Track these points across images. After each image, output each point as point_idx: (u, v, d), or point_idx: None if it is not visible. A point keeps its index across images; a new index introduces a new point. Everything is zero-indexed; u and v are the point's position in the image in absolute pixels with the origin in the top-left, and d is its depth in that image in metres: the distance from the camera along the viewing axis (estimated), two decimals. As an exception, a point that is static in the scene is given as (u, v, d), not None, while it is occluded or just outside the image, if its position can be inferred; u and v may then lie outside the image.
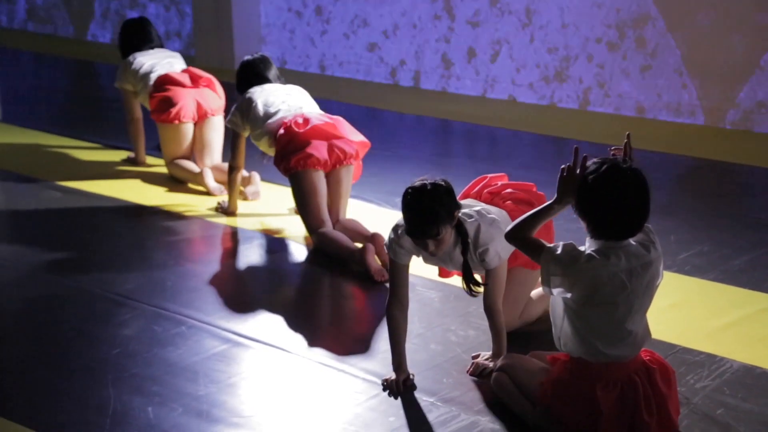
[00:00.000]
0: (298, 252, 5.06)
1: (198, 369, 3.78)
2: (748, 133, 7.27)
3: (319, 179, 5.08)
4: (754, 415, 3.41)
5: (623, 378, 3.16)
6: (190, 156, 6.22)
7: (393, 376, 3.62)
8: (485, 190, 4.00)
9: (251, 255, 5.13)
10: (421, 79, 8.90)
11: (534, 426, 3.27)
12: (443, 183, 3.53)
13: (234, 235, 5.34)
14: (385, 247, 3.81)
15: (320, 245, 4.98)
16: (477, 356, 3.76)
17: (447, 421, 3.40)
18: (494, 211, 3.76)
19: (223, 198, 5.70)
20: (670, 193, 5.93)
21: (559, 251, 3.14)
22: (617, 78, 7.85)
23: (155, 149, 6.51)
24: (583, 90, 8.01)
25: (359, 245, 4.79)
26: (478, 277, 3.64)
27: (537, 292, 4.06)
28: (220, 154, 6.22)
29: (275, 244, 5.19)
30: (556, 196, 3.20)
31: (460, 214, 3.58)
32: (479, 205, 3.78)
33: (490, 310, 3.66)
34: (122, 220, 5.58)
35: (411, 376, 3.63)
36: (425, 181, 3.51)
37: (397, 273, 3.68)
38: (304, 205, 5.05)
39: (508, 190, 3.96)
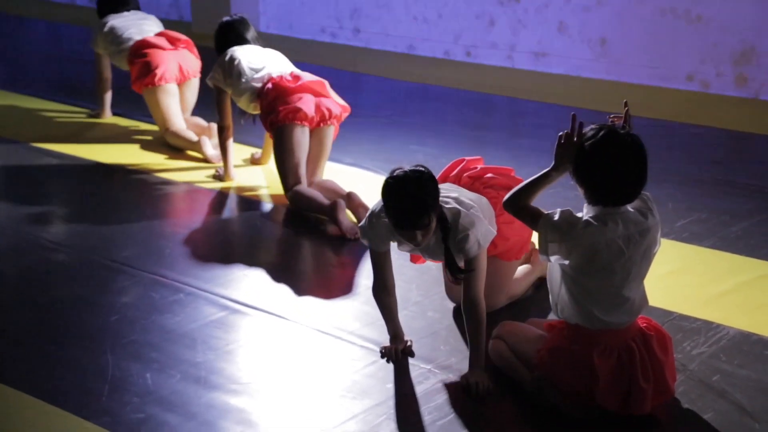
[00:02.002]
0: (296, 219, 5.05)
1: (196, 336, 3.78)
2: (747, 100, 7.25)
3: (304, 135, 5.15)
4: (749, 381, 3.43)
5: (620, 344, 3.17)
6: (181, 117, 6.24)
7: (394, 343, 3.63)
8: (464, 174, 3.90)
9: (249, 222, 5.13)
10: (417, 48, 8.88)
11: (531, 393, 3.28)
12: (424, 169, 3.34)
13: (231, 202, 5.33)
14: (360, 235, 3.62)
15: (294, 202, 5.07)
16: (464, 380, 3.43)
17: (444, 388, 3.41)
18: (473, 197, 3.60)
19: (221, 165, 5.69)
20: (668, 160, 5.92)
21: (556, 217, 3.14)
22: (617, 43, 7.82)
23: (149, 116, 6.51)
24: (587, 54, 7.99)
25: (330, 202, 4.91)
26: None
27: (521, 269, 4.05)
28: (190, 112, 6.33)
29: (272, 211, 5.19)
30: (553, 163, 3.20)
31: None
32: (456, 191, 3.61)
33: (471, 303, 3.42)
34: (120, 187, 5.57)
35: (408, 343, 3.64)
36: (405, 169, 3.33)
37: (378, 260, 3.56)
38: (285, 160, 5.11)
39: (489, 175, 3.87)
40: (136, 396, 3.36)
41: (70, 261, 4.49)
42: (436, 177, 3.45)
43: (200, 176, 5.65)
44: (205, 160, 5.90)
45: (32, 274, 4.38)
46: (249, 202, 5.31)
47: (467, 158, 4.01)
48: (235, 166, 5.61)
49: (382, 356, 3.60)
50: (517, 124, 6.81)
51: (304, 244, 4.85)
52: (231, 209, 5.29)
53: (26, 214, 5.07)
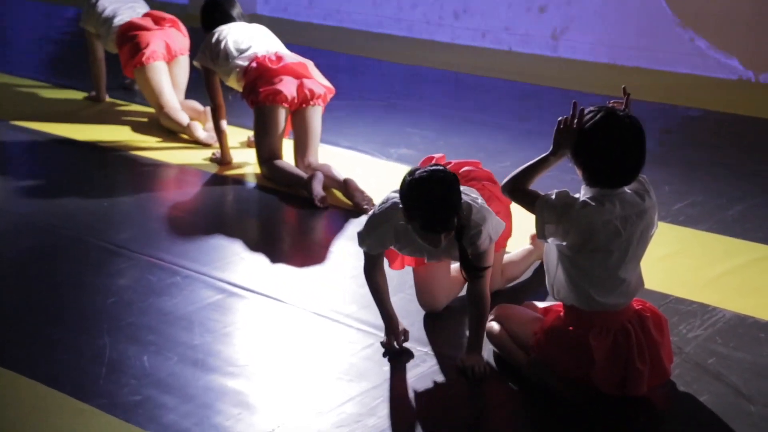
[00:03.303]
0: (291, 201, 5.05)
1: (193, 318, 3.79)
2: (745, 83, 7.25)
3: (283, 116, 5.23)
4: (745, 364, 3.44)
5: (616, 326, 3.18)
6: (174, 95, 6.24)
7: (391, 337, 3.53)
8: (460, 170, 3.77)
9: (245, 205, 5.13)
10: (414, 29, 8.85)
11: (527, 376, 3.29)
12: (444, 168, 3.25)
13: (227, 184, 5.33)
14: (357, 243, 3.50)
15: (269, 175, 5.19)
16: (460, 362, 3.42)
17: (440, 371, 3.42)
18: (471, 191, 3.52)
19: (217, 149, 5.67)
20: (665, 143, 5.93)
21: (553, 198, 3.14)
22: (613, 26, 7.81)
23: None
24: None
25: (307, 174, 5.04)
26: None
27: (520, 251, 4.05)
28: (183, 93, 6.32)
29: (268, 193, 5.18)
30: (552, 147, 3.19)
31: None
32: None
33: (478, 295, 3.39)
34: (115, 169, 5.56)
35: (407, 332, 3.57)
36: (427, 170, 3.20)
37: (369, 259, 3.51)
38: (262, 138, 5.23)
39: (466, 168, 3.80)
40: (133, 378, 3.36)
41: (66, 243, 4.48)
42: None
43: (196, 159, 5.64)
44: (197, 142, 5.90)
45: (28, 255, 4.38)
46: (246, 185, 5.31)
47: (435, 155, 3.88)
48: (231, 148, 5.60)
49: (385, 354, 3.52)
50: (514, 107, 6.81)
51: (301, 227, 4.86)
52: (227, 192, 5.28)
53: (21, 196, 5.06)
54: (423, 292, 3.79)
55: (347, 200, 4.92)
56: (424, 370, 3.42)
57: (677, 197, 5.00)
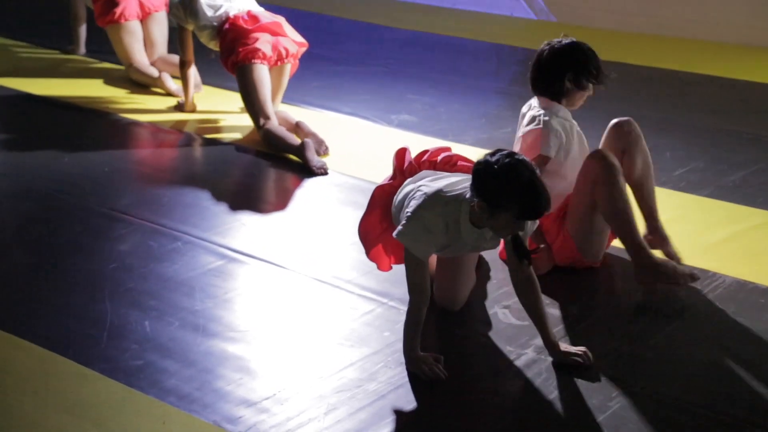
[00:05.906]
0: (291, 167, 5.04)
1: (194, 284, 3.79)
2: (746, 48, 7.22)
3: (265, 73, 5.30)
4: (744, 329, 3.45)
5: None
6: (143, 54, 6.34)
7: (424, 366, 3.19)
8: (438, 158, 3.52)
9: (245, 170, 5.12)
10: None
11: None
12: (507, 149, 3.02)
13: (226, 149, 5.32)
14: (401, 241, 3.16)
15: (265, 140, 5.22)
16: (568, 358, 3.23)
17: (440, 335, 3.44)
18: None
19: (183, 97, 5.86)
20: (666, 109, 5.91)
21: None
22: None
23: (113, 53, 6.55)
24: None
25: (299, 141, 5.09)
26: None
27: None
28: (165, 47, 6.38)
29: (267, 159, 5.17)
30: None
31: None
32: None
33: (531, 279, 3.22)
34: (112, 132, 5.56)
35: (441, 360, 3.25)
36: (503, 154, 2.96)
37: (421, 270, 3.17)
38: (251, 99, 5.28)
39: (445, 155, 3.54)
40: (134, 343, 3.38)
41: (66, 208, 4.48)
42: (391, 174, 3.50)
43: (195, 123, 5.66)
44: (169, 94, 6.07)
45: (29, 220, 4.38)
46: (246, 151, 5.30)
47: (406, 148, 3.59)
48: (230, 113, 5.70)
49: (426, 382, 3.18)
50: (514, 73, 6.78)
51: (302, 193, 4.85)
52: (227, 157, 5.27)
53: (18, 159, 5.05)
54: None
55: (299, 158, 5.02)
56: (425, 334, 3.42)
57: (678, 163, 4.99)
